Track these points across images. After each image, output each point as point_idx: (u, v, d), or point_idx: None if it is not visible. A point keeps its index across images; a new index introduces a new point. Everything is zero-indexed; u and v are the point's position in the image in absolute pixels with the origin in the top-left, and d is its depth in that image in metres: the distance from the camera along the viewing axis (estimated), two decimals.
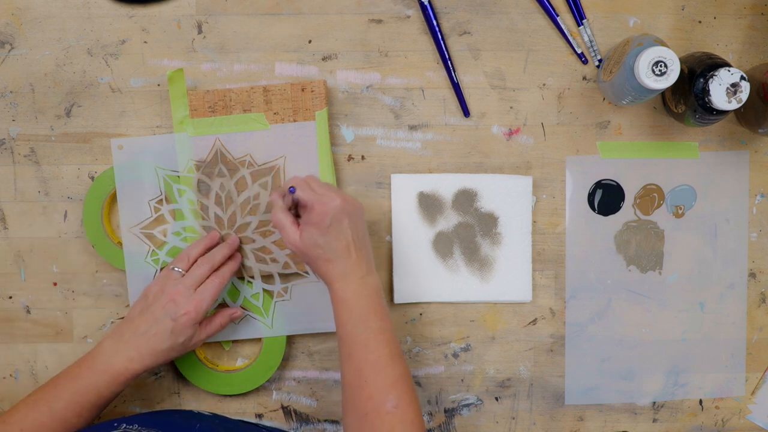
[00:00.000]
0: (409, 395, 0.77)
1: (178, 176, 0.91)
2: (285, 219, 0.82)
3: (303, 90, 0.90)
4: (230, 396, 0.94)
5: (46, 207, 0.92)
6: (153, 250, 0.91)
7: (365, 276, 0.81)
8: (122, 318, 0.92)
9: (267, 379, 0.93)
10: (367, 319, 0.79)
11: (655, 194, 0.94)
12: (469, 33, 0.92)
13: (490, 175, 0.93)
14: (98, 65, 0.91)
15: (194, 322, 0.83)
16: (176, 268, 0.86)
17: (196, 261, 0.87)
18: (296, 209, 0.85)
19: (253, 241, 0.91)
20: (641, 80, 0.80)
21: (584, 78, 0.93)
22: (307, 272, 0.92)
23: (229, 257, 0.89)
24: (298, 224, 0.82)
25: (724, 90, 0.80)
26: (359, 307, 0.79)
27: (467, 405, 0.95)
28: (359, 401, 0.76)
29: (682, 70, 0.83)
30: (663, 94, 0.91)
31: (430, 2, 0.91)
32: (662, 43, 0.83)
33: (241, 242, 0.91)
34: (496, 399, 0.95)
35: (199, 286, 0.85)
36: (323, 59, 0.92)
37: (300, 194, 0.81)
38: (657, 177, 0.94)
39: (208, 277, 0.86)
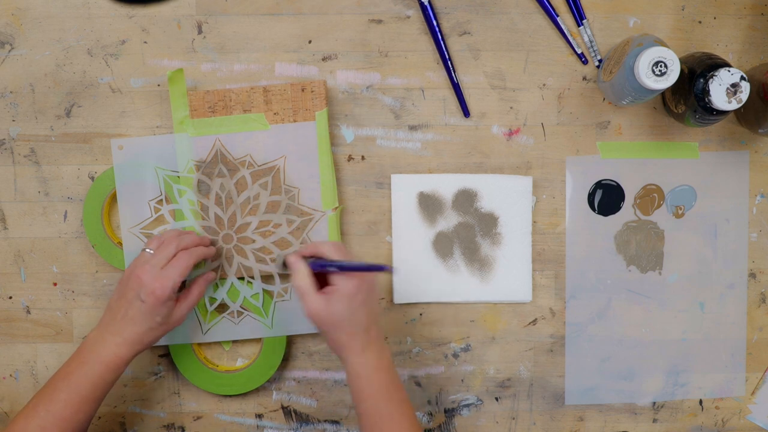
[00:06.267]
0: None
1: (178, 176, 0.91)
2: (307, 285, 0.80)
3: (303, 90, 0.90)
4: (230, 396, 0.94)
5: (46, 207, 0.92)
6: None
7: (381, 351, 0.81)
8: None
9: (267, 379, 0.93)
10: (388, 392, 0.80)
11: (655, 194, 0.94)
12: (469, 33, 0.92)
13: (490, 175, 0.93)
14: (98, 65, 0.91)
15: (163, 301, 0.81)
16: (147, 249, 0.85)
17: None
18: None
19: (254, 241, 0.91)
20: (641, 80, 0.80)
21: (584, 78, 0.93)
22: None
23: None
24: (321, 291, 0.80)
25: (724, 90, 0.80)
26: (378, 381, 0.80)
27: (467, 405, 0.95)
28: None
29: (682, 71, 0.83)
30: (663, 94, 0.91)
31: (430, 2, 0.91)
32: (662, 43, 0.83)
33: (241, 242, 0.91)
34: (496, 399, 0.95)
35: (166, 265, 0.83)
36: (323, 59, 0.92)
37: (343, 263, 0.79)
38: (657, 177, 0.94)
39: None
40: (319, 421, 0.95)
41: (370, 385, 0.80)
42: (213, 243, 0.91)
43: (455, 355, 0.95)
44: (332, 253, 0.81)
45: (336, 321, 0.79)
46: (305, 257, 0.82)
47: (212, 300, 0.92)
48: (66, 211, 0.92)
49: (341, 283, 0.79)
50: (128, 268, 0.84)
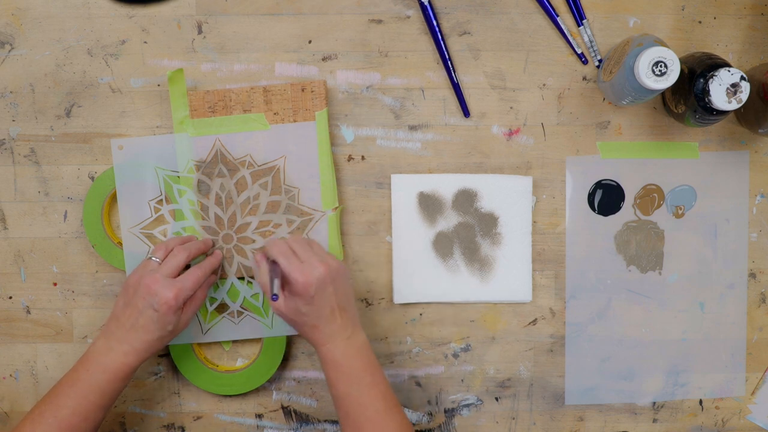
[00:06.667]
0: None
1: (178, 176, 0.91)
2: (268, 284, 0.82)
3: (303, 90, 0.90)
4: (230, 396, 0.94)
5: (46, 207, 0.92)
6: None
7: (351, 336, 0.82)
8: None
9: (267, 379, 0.93)
10: (358, 377, 0.80)
11: (655, 194, 0.94)
12: (469, 33, 0.92)
13: (490, 175, 0.93)
14: (98, 65, 0.91)
15: (175, 310, 0.82)
16: (153, 258, 0.85)
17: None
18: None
19: (254, 241, 0.91)
20: (641, 80, 0.80)
21: (584, 78, 0.93)
22: None
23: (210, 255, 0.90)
24: (284, 288, 0.82)
25: (724, 90, 0.80)
26: (349, 366, 0.80)
27: (467, 405, 0.95)
28: None
29: (682, 71, 0.83)
30: (663, 94, 0.91)
31: (430, 2, 0.91)
32: (662, 43, 0.83)
33: (241, 242, 0.91)
34: (496, 399, 0.95)
35: (176, 274, 0.84)
36: (323, 59, 0.92)
37: (282, 263, 0.81)
38: (657, 177, 0.94)
39: (185, 266, 0.85)
40: (319, 421, 0.95)
41: (339, 371, 0.80)
42: (213, 243, 0.91)
43: (455, 355, 0.95)
44: (277, 255, 0.82)
45: (296, 316, 0.81)
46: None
47: (212, 300, 0.92)
48: (66, 211, 0.92)
49: (292, 282, 0.80)
50: (133, 276, 0.84)
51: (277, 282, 0.80)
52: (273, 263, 0.82)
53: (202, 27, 0.91)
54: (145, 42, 0.91)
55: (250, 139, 0.90)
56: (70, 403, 0.80)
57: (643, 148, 0.93)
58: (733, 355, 0.95)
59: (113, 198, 0.92)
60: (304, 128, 0.90)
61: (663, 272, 0.95)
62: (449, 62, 0.91)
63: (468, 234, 0.93)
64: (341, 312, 0.81)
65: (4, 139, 0.92)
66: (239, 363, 0.95)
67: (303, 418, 0.95)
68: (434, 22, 0.91)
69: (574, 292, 0.94)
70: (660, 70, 0.80)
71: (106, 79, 0.91)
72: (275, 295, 0.79)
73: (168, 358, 0.94)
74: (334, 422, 0.95)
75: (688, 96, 0.84)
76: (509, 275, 0.93)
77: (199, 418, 0.95)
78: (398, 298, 0.93)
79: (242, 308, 0.92)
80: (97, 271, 0.93)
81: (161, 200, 0.91)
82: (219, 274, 0.91)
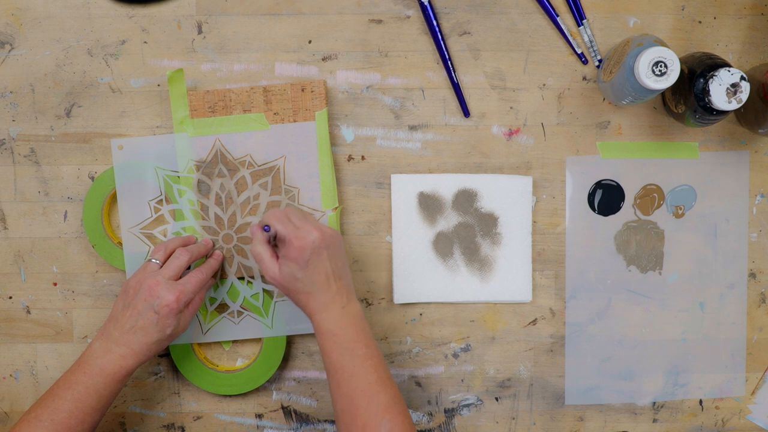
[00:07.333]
0: (402, 418, 0.77)
1: (178, 176, 0.91)
2: (264, 252, 0.82)
3: (303, 90, 0.90)
4: (230, 396, 0.94)
5: (46, 207, 0.92)
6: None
7: (346, 305, 0.81)
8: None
9: (267, 379, 0.93)
10: (352, 347, 0.79)
11: (655, 194, 0.94)
12: (469, 33, 0.92)
13: (490, 175, 0.93)
14: (98, 65, 0.91)
15: (176, 313, 0.82)
16: (153, 260, 0.85)
17: (173, 253, 0.86)
18: (275, 241, 0.84)
19: None
20: (641, 80, 0.80)
21: (584, 78, 0.93)
22: None
23: (210, 257, 0.90)
24: (278, 257, 0.82)
25: (724, 90, 0.80)
26: (343, 336, 0.79)
27: (467, 405, 0.95)
28: (354, 429, 0.76)
29: (682, 71, 0.83)
30: (663, 94, 0.91)
31: (430, 2, 0.91)
32: (662, 43, 0.83)
33: (241, 242, 0.91)
34: (496, 399, 0.95)
35: (177, 276, 0.84)
36: (323, 59, 0.92)
37: (278, 228, 0.81)
38: (657, 177, 0.94)
39: (188, 269, 0.85)
40: (319, 421, 0.95)
41: (333, 340, 0.79)
42: (213, 244, 0.91)
43: (455, 355, 0.95)
44: (273, 222, 0.82)
45: (290, 283, 0.80)
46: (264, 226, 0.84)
47: (212, 300, 0.92)
48: (66, 211, 0.92)
49: (287, 246, 0.79)
50: (133, 278, 0.84)
51: (272, 230, 0.81)
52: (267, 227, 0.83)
53: (202, 27, 0.91)
54: (145, 42, 0.91)
55: (250, 139, 0.90)
56: (67, 406, 0.79)
57: (643, 148, 0.93)
58: (733, 355, 0.95)
59: (113, 198, 0.92)
60: (304, 128, 0.90)
61: (663, 272, 0.95)
62: (449, 62, 0.91)
63: (468, 234, 0.93)
64: (336, 279, 0.81)
65: (4, 139, 0.92)
66: (239, 363, 0.95)
67: (303, 418, 0.95)
68: (434, 22, 0.91)
69: (574, 292, 0.94)
70: (660, 70, 0.80)
71: (106, 79, 0.91)
72: (267, 226, 0.81)
73: (168, 358, 0.94)
74: (334, 422, 0.95)
75: (688, 96, 0.84)
76: (509, 275, 0.93)
77: (199, 418, 0.95)
78: (398, 298, 0.93)
79: (242, 308, 0.92)
80: (97, 271, 0.93)
81: (161, 200, 0.91)
82: (219, 276, 0.91)
